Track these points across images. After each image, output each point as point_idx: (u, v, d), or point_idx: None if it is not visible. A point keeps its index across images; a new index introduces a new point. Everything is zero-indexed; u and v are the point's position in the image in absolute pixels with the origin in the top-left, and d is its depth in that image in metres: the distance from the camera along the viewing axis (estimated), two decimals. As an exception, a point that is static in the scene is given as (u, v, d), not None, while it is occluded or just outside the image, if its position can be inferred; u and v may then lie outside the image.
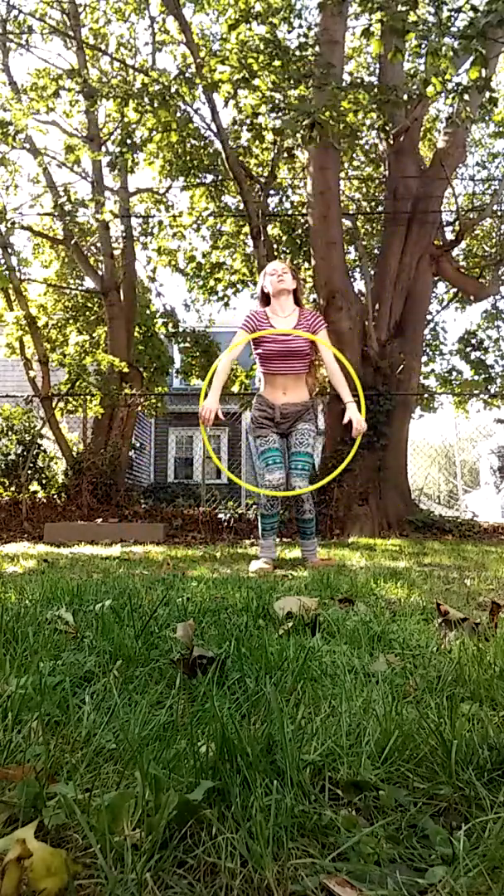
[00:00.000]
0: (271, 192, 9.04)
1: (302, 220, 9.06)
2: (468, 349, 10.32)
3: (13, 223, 8.11)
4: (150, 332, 10.25)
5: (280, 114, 6.92)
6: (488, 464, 15.25)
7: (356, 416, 3.61)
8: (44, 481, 8.13)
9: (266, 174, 8.81)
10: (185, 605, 1.91)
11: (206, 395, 3.61)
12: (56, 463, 8.55)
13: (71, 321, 10.32)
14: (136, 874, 0.62)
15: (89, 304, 10.50)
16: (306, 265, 8.87)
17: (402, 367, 7.01)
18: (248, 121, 7.72)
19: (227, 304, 10.48)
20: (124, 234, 9.41)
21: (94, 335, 10.16)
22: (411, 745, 0.89)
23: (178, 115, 7.50)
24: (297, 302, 3.75)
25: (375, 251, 9.27)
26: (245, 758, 0.80)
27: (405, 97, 6.22)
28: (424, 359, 10.24)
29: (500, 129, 9.26)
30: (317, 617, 1.67)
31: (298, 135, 6.12)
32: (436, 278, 8.29)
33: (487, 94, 6.22)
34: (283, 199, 9.86)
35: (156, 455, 18.24)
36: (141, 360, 9.89)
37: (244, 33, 7.38)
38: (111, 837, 0.66)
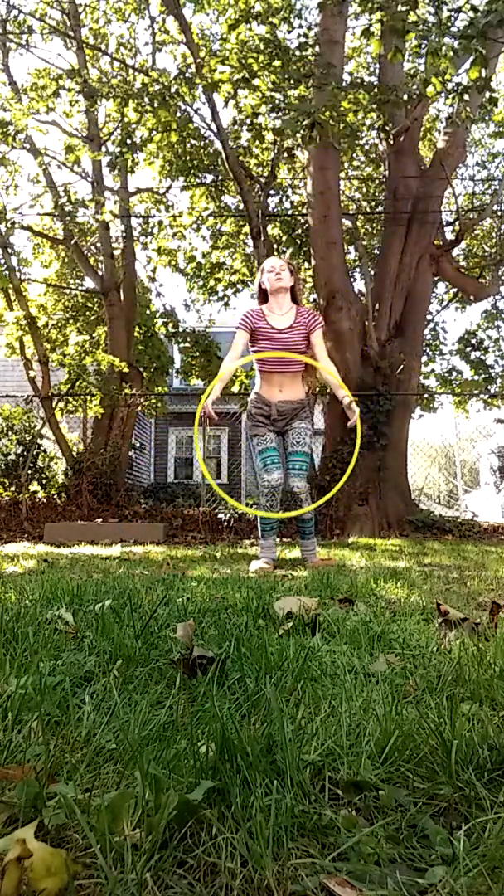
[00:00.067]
0: (271, 192, 9.04)
1: (302, 220, 9.06)
2: (468, 349, 10.33)
3: (13, 223, 8.11)
4: (150, 332, 10.26)
5: (280, 114, 6.93)
6: (488, 464, 15.26)
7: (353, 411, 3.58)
8: (44, 481, 8.13)
9: (266, 174, 8.81)
10: (185, 605, 1.91)
11: (201, 393, 3.64)
12: (56, 463, 8.56)
13: (71, 321, 10.33)
14: (136, 874, 0.62)
15: (89, 304, 10.50)
16: (306, 265, 8.87)
17: (402, 367, 7.01)
18: (248, 121, 7.72)
19: (227, 304, 10.49)
20: (124, 234, 9.41)
21: (94, 335, 10.16)
22: (411, 745, 0.89)
23: (178, 115, 7.50)
24: (295, 300, 3.76)
25: (375, 251, 9.28)
26: (245, 758, 0.80)
27: (405, 97, 6.22)
28: (424, 359, 10.24)
29: (500, 129, 9.26)
30: (317, 617, 1.67)
31: (298, 135, 6.12)
32: (436, 278, 8.29)
33: (487, 94, 6.22)
34: (283, 199, 9.86)
35: (156, 455, 18.24)
36: (141, 360, 9.90)
37: (244, 33, 7.38)
38: (111, 837, 0.66)
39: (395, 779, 0.84)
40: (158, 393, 10.47)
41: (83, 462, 7.69)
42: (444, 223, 8.43)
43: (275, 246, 8.92)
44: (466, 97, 5.59)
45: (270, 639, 1.48)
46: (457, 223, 8.26)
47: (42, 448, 8.31)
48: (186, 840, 0.69)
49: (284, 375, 3.66)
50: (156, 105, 6.91)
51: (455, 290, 10.05)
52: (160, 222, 9.91)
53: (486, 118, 8.99)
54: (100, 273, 9.37)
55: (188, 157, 8.81)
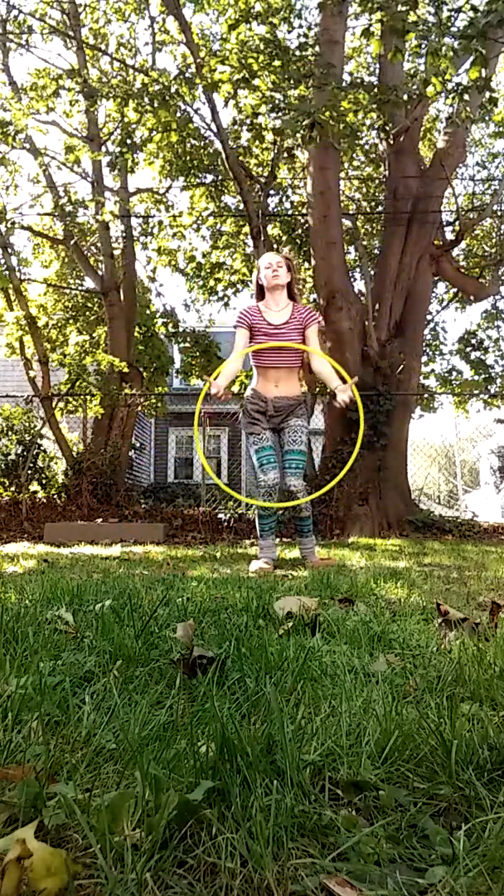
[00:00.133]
0: (271, 192, 9.04)
1: (302, 220, 9.06)
2: (468, 349, 10.33)
3: (13, 223, 8.11)
4: (150, 332, 10.26)
5: (280, 114, 6.93)
6: (488, 464, 15.26)
7: (345, 390, 3.52)
8: (44, 481, 8.13)
9: (266, 174, 8.81)
10: (185, 605, 1.91)
11: (206, 395, 3.63)
12: (56, 463, 8.55)
13: (71, 321, 10.33)
14: (136, 874, 0.62)
15: (89, 304, 10.50)
16: (306, 265, 8.87)
17: (402, 367, 7.01)
18: (248, 121, 7.72)
19: (227, 304, 10.49)
20: (124, 234, 9.41)
21: (94, 335, 10.16)
22: (411, 745, 0.89)
23: (178, 115, 7.50)
24: (292, 296, 3.76)
25: (375, 251, 9.28)
26: (245, 758, 0.80)
27: (405, 97, 6.22)
28: (424, 359, 10.24)
29: (500, 129, 9.26)
30: (317, 617, 1.67)
31: (298, 135, 6.12)
32: (436, 278, 8.29)
33: (487, 94, 6.22)
34: (283, 199, 9.86)
35: (156, 455, 18.24)
36: (141, 360, 9.90)
37: (244, 33, 7.38)
38: (111, 837, 0.66)
39: (395, 779, 0.84)
40: (158, 393, 10.47)
41: (83, 462, 7.69)
42: (444, 223, 8.43)
43: (275, 246, 8.92)
44: (466, 97, 5.59)
45: (270, 639, 1.48)
46: (457, 223, 8.26)
47: (42, 448, 8.31)
48: (186, 840, 0.69)
49: (280, 371, 3.66)
50: (156, 105, 6.91)
51: (455, 290, 10.05)
52: (160, 222, 9.91)
53: (486, 118, 8.99)
54: (100, 273, 9.37)
55: (188, 157, 8.81)
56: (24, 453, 7.92)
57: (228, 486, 15.09)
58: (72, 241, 9.09)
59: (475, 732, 0.92)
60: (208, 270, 10.35)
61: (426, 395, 10.16)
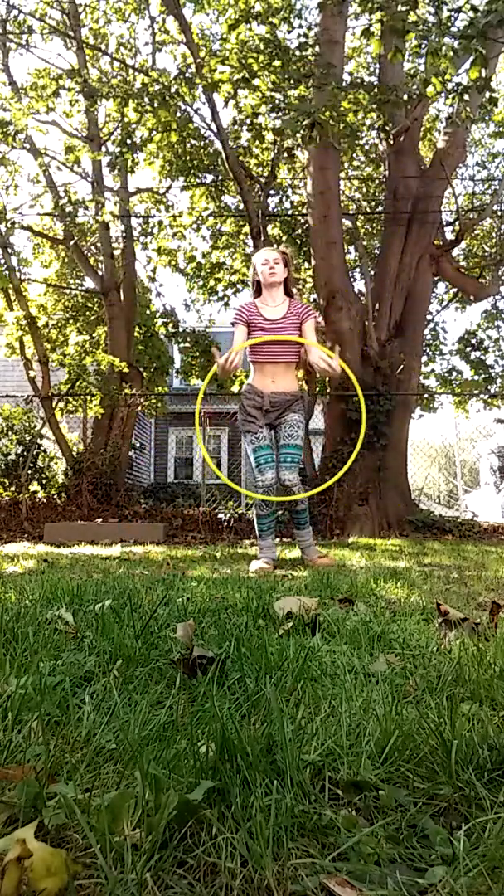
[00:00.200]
0: (271, 192, 9.05)
1: (302, 220, 9.06)
2: (468, 349, 10.33)
3: (13, 223, 8.11)
4: (150, 332, 10.26)
5: (280, 114, 6.93)
6: (488, 464, 15.26)
7: (323, 357, 3.46)
8: (44, 481, 8.13)
9: (266, 174, 8.81)
10: (185, 605, 1.91)
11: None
12: (56, 463, 8.55)
13: (71, 321, 10.33)
14: (136, 874, 0.62)
15: (89, 304, 10.50)
16: (306, 265, 8.87)
17: (402, 367, 7.01)
18: (248, 121, 7.72)
19: (227, 304, 10.49)
20: (124, 234, 9.41)
21: (94, 335, 10.16)
22: (411, 745, 0.89)
23: (178, 115, 7.50)
24: (288, 292, 3.76)
25: (375, 251, 9.28)
26: (245, 758, 0.80)
27: (405, 97, 6.21)
28: (424, 359, 10.24)
29: (500, 129, 9.26)
30: (317, 617, 1.67)
31: (298, 135, 6.12)
32: (436, 278, 8.28)
33: (487, 94, 6.22)
34: (283, 199, 9.86)
35: (156, 455, 18.25)
36: (141, 360, 9.90)
37: (244, 33, 7.38)
38: (111, 837, 0.66)
39: (395, 779, 0.84)
40: (158, 393, 10.47)
41: (83, 462, 7.69)
42: (444, 223, 8.43)
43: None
44: (466, 97, 5.59)
45: (270, 639, 1.48)
46: (457, 223, 8.26)
47: (42, 448, 8.31)
48: (186, 840, 0.69)
49: (277, 366, 3.66)
50: (156, 105, 6.91)
51: (455, 290, 10.05)
52: (160, 222, 9.91)
53: (486, 118, 8.98)
54: (100, 273, 9.37)
55: (188, 157, 8.81)
56: (24, 453, 7.92)
57: (228, 486, 15.09)
58: (72, 241, 9.09)
59: (475, 732, 0.92)
60: (208, 270, 10.35)
61: (426, 395, 10.16)
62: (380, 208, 9.34)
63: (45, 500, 7.51)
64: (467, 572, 3.15)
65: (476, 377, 10.15)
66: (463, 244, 9.47)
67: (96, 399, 8.38)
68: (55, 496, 7.68)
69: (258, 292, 3.80)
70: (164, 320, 10.34)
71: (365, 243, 9.45)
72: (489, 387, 10.10)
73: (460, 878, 0.63)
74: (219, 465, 17.12)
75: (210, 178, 9.36)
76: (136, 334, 9.81)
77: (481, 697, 1.10)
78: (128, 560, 3.74)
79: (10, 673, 1.18)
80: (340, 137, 6.28)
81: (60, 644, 1.42)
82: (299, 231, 9.22)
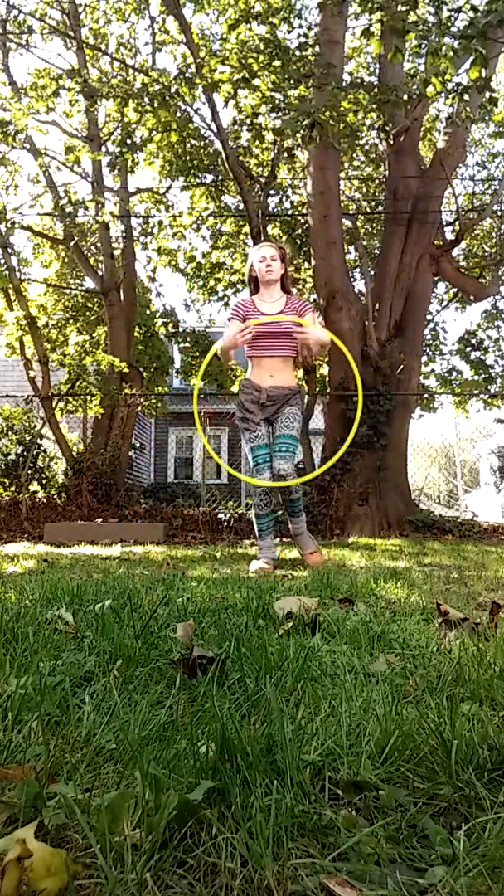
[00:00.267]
0: (271, 192, 9.04)
1: (302, 220, 9.06)
2: (468, 349, 10.33)
3: (13, 223, 8.10)
4: (150, 332, 10.26)
5: (280, 114, 6.93)
6: (488, 464, 15.26)
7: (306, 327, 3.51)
8: (44, 481, 8.13)
9: (266, 174, 8.81)
10: (185, 605, 1.91)
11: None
12: (56, 463, 8.55)
13: (71, 321, 10.33)
14: (136, 874, 0.62)
15: (89, 304, 10.50)
16: (306, 265, 8.88)
17: (402, 367, 7.01)
18: (248, 121, 7.72)
19: (227, 304, 10.49)
20: (124, 234, 9.41)
21: (94, 335, 10.16)
22: (411, 745, 0.89)
23: (178, 115, 7.50)
24: (285, 288, 3.76)
25: (375, 251, 9.28)
26: (245, 758, 0.80)
27: (405, 97, 6.21)
28: (424, 359, 10.25)
29: (500, 129, 9.26)
30: (317, 617, 1.67)
31: (298, 135, 6.12)
32: (436, 278, 8.29)
33: (487, 94, 6.22)
34: (283, 199, 9.86)
35: (156, 455, 18.25)
36: (141, 360, 9.90)
37: (244, 33, 7.38)
38: (111, 837, 0.66)
39: (395, 779, 0.84)
40: (158, 393, 10.47)
41: (83, 462, 7.69)
42: (444, 223, 8.43)
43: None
44: (466, 97, 5.59)
45: (270, 639, 1.47)
46: (457, 223, 8.26)
47: (42, 448, 8.31)
48: (186, 840, 0.69)
49: (275, 360, 3.65)
50: (156, 105, 6.91)
51: (455, 290, 10.05)
52: (160, 222, 9.91)
53: (486, 118, 8.99)
54: (100, 273, 9.37)
55: (188, 157, 8.81)
56: (24, 453, 7.92)
57: (228, 486, 15.10)
58: (72, 242, 9.09)
59: (475, 732, 0.92)
60: (208, 270, 10.36)
61: (426, 395, 10.16)
62: (380, 208, 9.34)
63: (45, 500, 7.51)
64: (467, 572, 3.15)
65: (476, 377, 10.16)
66: (463, 244, 9.47)
67: (96, 399, 8.38)
68: (55, 496, 7.68)
69: (255, 289, 3.80)
70: (164, 320, 10.34)
71: (365, 243, 9.45)
72: (489, 387, 10.10)
73: (460, 878, 0.63)
74: (219, 465, 17.11)
75: (210, 178, 9.36)
76: (136, 334, 9.81)
77: (481, 697, 1.10)
78: (128, 560, 3.74)
79: (10, 673, 1.18)
80: (340, 137, 6.28)
81: (60, 644, 1.42)
82: (299, 231, 9.22)
